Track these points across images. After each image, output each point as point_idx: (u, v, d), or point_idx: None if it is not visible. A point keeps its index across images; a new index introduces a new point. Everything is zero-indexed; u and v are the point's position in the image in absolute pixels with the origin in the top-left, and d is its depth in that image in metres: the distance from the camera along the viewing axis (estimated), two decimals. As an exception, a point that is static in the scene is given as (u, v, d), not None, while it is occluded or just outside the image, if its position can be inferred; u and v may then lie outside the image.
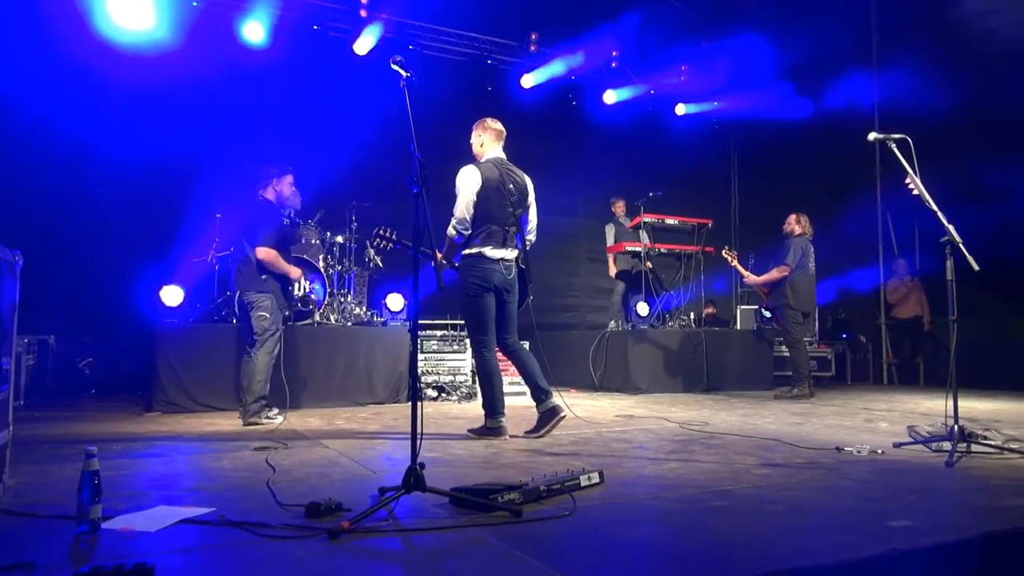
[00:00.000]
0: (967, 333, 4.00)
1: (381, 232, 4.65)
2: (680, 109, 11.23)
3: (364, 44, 8.98)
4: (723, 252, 8.13)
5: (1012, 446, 3.85)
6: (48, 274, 7.35)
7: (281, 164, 5.60)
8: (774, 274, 7.52)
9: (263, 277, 5.33)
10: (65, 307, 7.62)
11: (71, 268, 7.64)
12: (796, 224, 7.62)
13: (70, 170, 7.54)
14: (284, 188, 5.55)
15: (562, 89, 10.51)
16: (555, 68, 10.15)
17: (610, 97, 10.70)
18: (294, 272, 5.62)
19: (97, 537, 2.19)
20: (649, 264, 8.54)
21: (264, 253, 5.29)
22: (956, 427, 3.69)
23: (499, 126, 4.73)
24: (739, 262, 8.06)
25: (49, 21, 7.50)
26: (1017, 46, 7.54)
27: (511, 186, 4.56)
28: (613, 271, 9.15)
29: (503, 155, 4.69)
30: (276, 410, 5.43)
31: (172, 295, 6.28)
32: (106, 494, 2.29)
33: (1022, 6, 7.50)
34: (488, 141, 4.68)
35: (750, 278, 7.85)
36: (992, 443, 3.84)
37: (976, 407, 6.18)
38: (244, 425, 5.17)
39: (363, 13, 8.89)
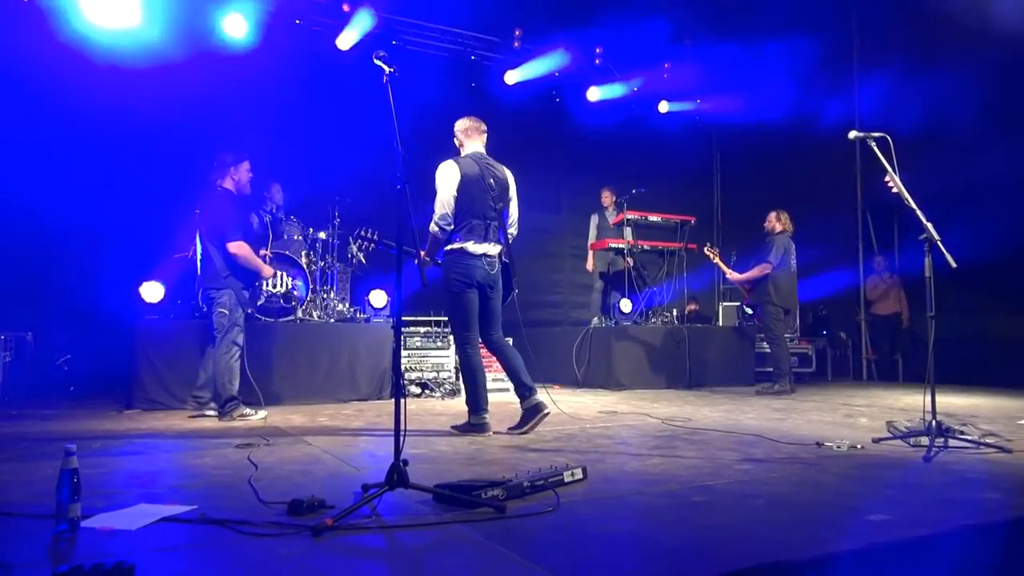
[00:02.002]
0: (945, 329, 4.05)
1: (363, 233, 4.65)
2: (663, 107, 11.27)
3: (347, 39, 8.93)
4: (705, 249, 8.16)
5: (988, 441, 3.92)
6: (26, 270, 7.25)
7: (236, 151, 5.48)
8: (756, 272, 7.56)
9: (224, 274, 5.24)
10: (43, 304, 7.53)
11: (50, 264, 7.53)
12: (777, 222, 7.66)
13: (48, 165, 7.43)
14: (242, 175, 5.44)
15: (546, 86, 10.51)
16: (539, 65, 10.14)
17: (594, 94, 10.72)
18: (267, 270, 5.54)
19: (76, 536, 2.16)
20: (630, 260, 8.57)
21: (236, 247, 5.23)
22: (934, 422, 3.74)
23: (478, 123, 4.74)
24: (721, 259, 8.10)
25: (26, 17, 7.38)
26: (992, 47, 7.66)
27: (491, 180, 4.57)
28: (591, 264, 9.20)
29: (483, 150, 4.71)
30: (254, 408, 5.37)
31: (152, 291, 6.21)
32: (85, 492, 2.26)
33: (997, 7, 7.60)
34: (467, 138, 4.70)
35: (732, 275, 7.90)
36: (969, 438, 3.89)
37: (953, 402, 6.26)
38: (219, 420, 5.18)
39: (346, 8, 8.84)
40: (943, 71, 8.18)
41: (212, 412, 5.34)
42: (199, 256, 5.44)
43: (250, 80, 8.31)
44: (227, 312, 5.22)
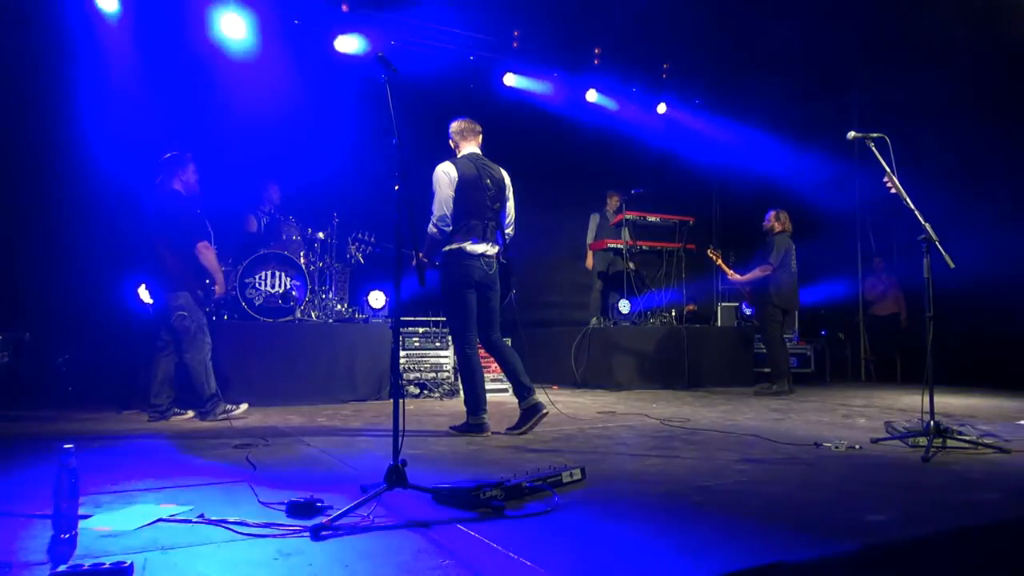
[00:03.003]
0: (943, 330, 4.05)
1: (360, 236, 4.66)
2: (661, 108, 11.26)
3: (345, 39, 8.91)
4: (708, 252, 8.13)
5: (986, 441, 3.92)
6: (24, 269, 7.24)
7: (180, 153, 5.42)
8: (757, 273, 7.53)
9: (180, 276, 5.20)
10: (41, 303, 7.50)
11: (48, 263, 7.51)
12: (776, 221, 7.62)
13: (46, 163, 7.42)
14: (189, 177, 5.38)
15: (544, 87, 10.50)
16: (537, 66, 10.13)
17: (592, 95, 10.71)
18: (221, 286, 5.46)
19: (74, 536, 2.16)
20: (632, 265, 8.58)
21: (205, 247, 5.24)
22: (932, 422, 3.74)
23: (473, 124, 4.74)
24: (723, 261, 8.07)
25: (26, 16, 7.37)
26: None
27: (488, 180, 4.58)
28: (590, 263, 9.20)
29: (479, 151, 4.71)
30: (232, 405, 5.36)
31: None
32: (83, 492, 2.26)
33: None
34: (463, 139, 4.70)
35: (734, 277, 7.87)
36: (967, 438, 3.90)
37: (952, 402, 6.27)
38: (203, 420, 5.18)
39: (345, 8, 8.83)
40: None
41: (178, 416, 5.30)
42: (151, 258, 5.31)
43: (248, 80, 8.29)
44: (187, 314, 5.18)
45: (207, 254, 5.27)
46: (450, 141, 4.75)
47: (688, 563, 1.99)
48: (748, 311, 9.12)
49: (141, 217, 5.42)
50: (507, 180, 4.74)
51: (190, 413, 5.34)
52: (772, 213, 7.66)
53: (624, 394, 7.43)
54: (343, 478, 3.14)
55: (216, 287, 5.43)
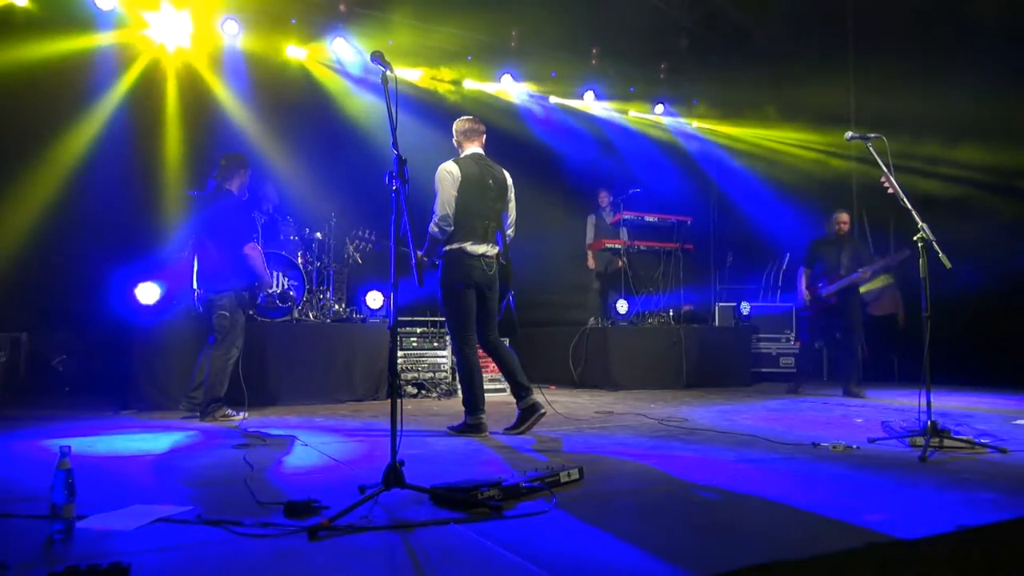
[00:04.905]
0: (940, 330, 4.06)
1: (359, 234, 4.66)
2: (659, 109, 11.27)
3: (343, 39, 8.90)
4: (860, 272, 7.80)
5: (984, 441, 3.93)
6: (22, 269, 7.23)
7: (240, 155, 5.50)
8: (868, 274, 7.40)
9: (227, 276, 5.22)
10: (40, 303, 7.50)
11: (46, 263, 7.50)
12: (847, 224, 7.54)
13: (46, 162, 7.41)
14: (244, 180, 5.47)
15: (542, 87, 10.51)
16: (535, 65, 10.13)
17: (589, 96, 10.73)
18: (266, 288, 5.49)
19: (71, 536, 2.16)
20: (620, 263, 8.58)
21: (252, 249, 5.27)
22: (929, 422, 3.75)
23: (477, 123, 4.73)
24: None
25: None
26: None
27: (490, 181, 4.57)
28: (592, 263, 9.20)
29: (481, 151, 4.70)
30: (236, 409, 5.35)
31: (148, 292, 6.18)
32: (80, 493, 2.26)
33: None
34: (467, 139, 4.69)
35: (864, 275, 7.41)
36: (964, 438, 3.91)
37: (949, 402, 6.27)
38: (201, 420, 5.16)
39: (342, 8, 8.82)
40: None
41: (231, 413, 5.28)
42: (196, 258, 5.42)
43: (246, 79, 8.29)
44: (228, 314, 5.20)
45: (255, 255, 5.30)
46: (453, 140, 4.75)
47: (686, 562, 1.99)
48: (746, 311, 9.10)
49: (192, 215, 5.45)
50: (509, 181, 4.73)
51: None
52: (845, 215, 7.48)
53: (622, 394, 7.43)
54: (341, 478, 3.13)
55: (264, 283, 5.46)
